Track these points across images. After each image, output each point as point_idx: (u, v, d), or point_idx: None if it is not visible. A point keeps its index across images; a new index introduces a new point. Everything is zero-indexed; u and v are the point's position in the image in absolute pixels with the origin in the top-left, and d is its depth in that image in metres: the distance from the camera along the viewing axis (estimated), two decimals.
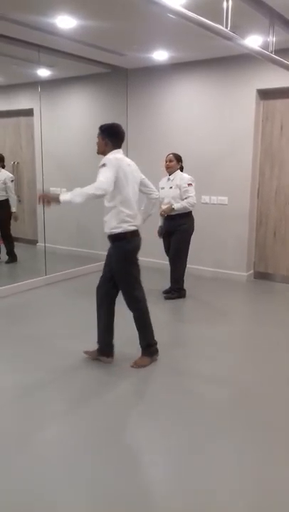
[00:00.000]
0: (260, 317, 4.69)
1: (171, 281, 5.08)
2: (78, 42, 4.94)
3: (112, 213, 3.17)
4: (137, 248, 3.29)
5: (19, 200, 7.36)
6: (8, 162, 7.41)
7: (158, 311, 4.74)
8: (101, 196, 3.01)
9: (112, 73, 6.24)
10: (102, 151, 3.24)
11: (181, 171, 5.00)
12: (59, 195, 2.98)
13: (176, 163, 4.94)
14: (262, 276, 5.91)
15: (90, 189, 2.94)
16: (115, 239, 3.22)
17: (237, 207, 5.73)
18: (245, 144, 5.59)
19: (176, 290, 5.07)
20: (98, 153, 3.27)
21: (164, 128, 6.18)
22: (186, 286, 5.12)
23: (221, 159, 5.78)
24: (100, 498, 2.09)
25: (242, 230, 5.75)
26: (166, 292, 5.11)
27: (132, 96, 6.42)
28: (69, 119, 6.79)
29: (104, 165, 3.04)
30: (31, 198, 7.14)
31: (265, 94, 5.54)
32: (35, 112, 6.22)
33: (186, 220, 4.95)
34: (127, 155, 6.57)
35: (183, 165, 5.03)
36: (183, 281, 5.10)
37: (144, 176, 3.44)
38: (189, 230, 5.01)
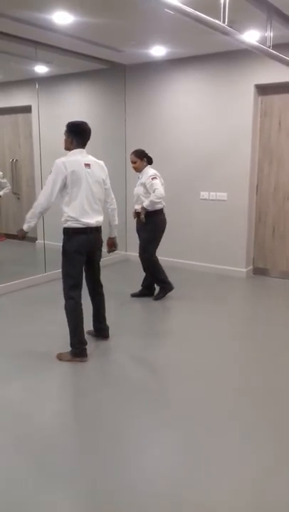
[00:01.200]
0: (260, 313, 4.69)
1: (156, 284, 4.91)
2: (76, 38, 4.92)
3: (62, 210, 3.38)
4: (79, 246, 3.37)
5: (18, 198, 7.36)
6: (6, 159, 7.41)
7: (151, 310, 4.75)
8: (47, 209, 3.32)
9: (110, 69, 6.22)
10: (68, 148, 3.44)
11: (150, 163, 4.75)
12: (21, 228, 3.42)
13: (140, 162, 4.68)
14: (261, 272, 5.91)
15: (36, 208, 3.31)
16: (63, 233, 3.42)
17: (236, 203, 5.73)
18: (243, 140, 5.58)
19: (161, 289, 4.88)
20: (64, 149, 3.45)
21: (163, 124, 6.17)
22: (185, 282, 5.10)
23: (220, 155, 5.77)
24: (96, 495, 2.10)
25: (241, 226, 5.75)
26: (134, 295, 4.96)
27: (130, 92, 6.40)
28: (67, 115, 6.73)
29: (50, 171, 3.30)
30: (30, 195, 7.14)
31: (263, 90, 5.52)
32: (33, 109, 6.20)
33: (150, 219, 4.67)
34: (125, 151, 6.59)
35: (150, 156, 4.75)
36: (165, 276, 4.86)
37: (108, 185, 3.58)
38: (154, 229, 4.74)
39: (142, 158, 4.70)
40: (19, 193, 7.34)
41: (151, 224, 4.72)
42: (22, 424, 2.65)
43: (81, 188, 3.31)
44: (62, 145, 3.47)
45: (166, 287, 4.89)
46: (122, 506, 2.03)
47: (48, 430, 2.59)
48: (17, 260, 6.42)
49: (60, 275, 3.47)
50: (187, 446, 2.45)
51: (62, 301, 3.43)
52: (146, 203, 4.59)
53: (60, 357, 3.49)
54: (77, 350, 3.45)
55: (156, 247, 4.84)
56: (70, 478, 2.19)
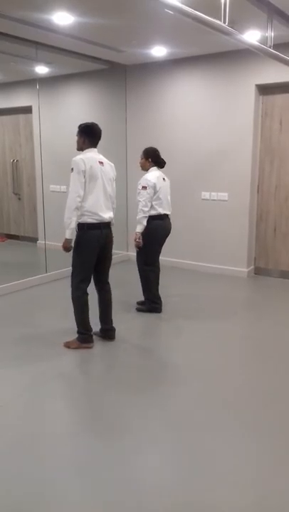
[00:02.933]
0: (261, 313, 4.68)
1: (144, 297, 4.62)
2: (76, 38, 4.92)
3: None
4: (93, 241, 3.48)
5: (19, 198, 7.37)
6: (7, 160, 7.42)
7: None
8: (80, 204, 3.39)
9: (110, 70, 6.22)
10: (80, 148, 3.58)
11: (162, 166, 4.44)
12: (65, 239, 3.45)
13: (144, 160, 4.39)
14: (262, 271, 5.91)
15: (71, 206, 3.36)
16: (78, 228, 3.50)
17: (237, 203, 5.73)
18: (244, 140, 5.58)
19: (147, 303, 4.58)
20: (77, 149, 3.60)
21: (164, 124, 6.16)
22: (187, 282, 5.09)
23: (221, 155, 5.76)
24: (96, 494, 2.10)
25: (242, 226, 5.74)
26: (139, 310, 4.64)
27: (130, 92, 6.40)
28: (68, 116, 6.78)
29: (72, 169, 3.41)
30: (31, 195, 7.15)
31: (264, 90, 5.52)
32: (34, 110, 6.21)
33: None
34: (126, 152, 6.61)
35: (161, 159, 4.41)
36: (153, 294, 4.52)
37: (114, 185, 3.70)
38: (149, 236, 4.31)
39: (146, 157, 4.39)
40: (20, 193, 7.35)
41: (143, 232, 4.33)
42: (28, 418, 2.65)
43: (96, 184, 3.45)
44: (75, 146, 3.59)
45: (151, 306, 4.55)
46: (123, 506, 2.03)
47: (47, 430, 2.60)
48: (18, 261, 6.42)
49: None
50: (188, 446, 2.44)
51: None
52: (138, 228, 4.29)
53: (67, 345, 3.63)
54: (84, 337, 3.59)
55: (151, 257, 4.45)
56: (70, 477, 2.20)
